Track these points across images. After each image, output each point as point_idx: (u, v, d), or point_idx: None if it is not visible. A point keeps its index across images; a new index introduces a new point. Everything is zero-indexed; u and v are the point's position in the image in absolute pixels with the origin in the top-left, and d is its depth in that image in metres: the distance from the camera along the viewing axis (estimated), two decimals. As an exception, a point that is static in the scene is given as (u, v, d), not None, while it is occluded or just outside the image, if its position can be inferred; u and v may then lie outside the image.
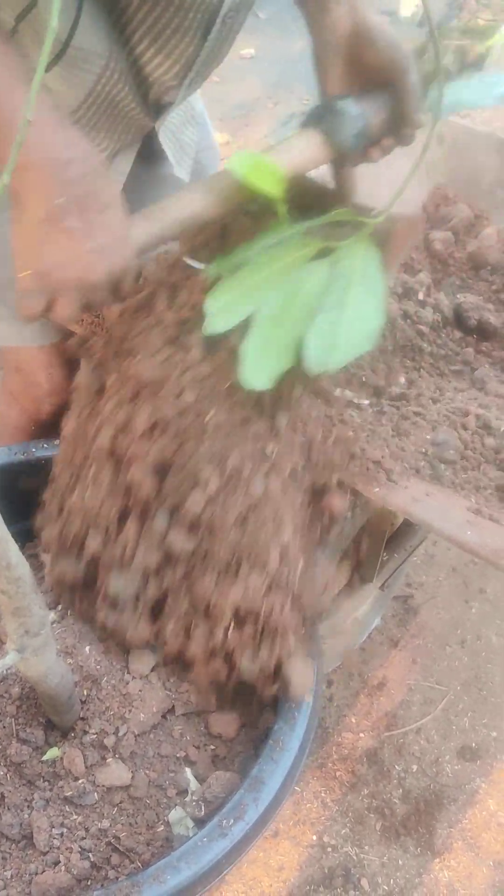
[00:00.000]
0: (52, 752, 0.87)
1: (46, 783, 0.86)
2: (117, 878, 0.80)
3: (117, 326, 0.89)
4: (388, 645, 1.50)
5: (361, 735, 1.37)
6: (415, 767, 1.34)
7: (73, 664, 0.90)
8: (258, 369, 0.73)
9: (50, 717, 0.85)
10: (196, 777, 0.89)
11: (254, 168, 0.71)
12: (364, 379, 1.13)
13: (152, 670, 0.94)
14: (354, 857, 1.23)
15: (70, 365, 1.21)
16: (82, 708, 0.88)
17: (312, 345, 0.74)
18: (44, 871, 0.81)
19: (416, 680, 1.45)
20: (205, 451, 0.79)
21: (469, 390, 1.15)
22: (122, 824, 0.85)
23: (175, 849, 0.76)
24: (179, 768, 0.89)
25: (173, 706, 0.93)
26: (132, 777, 0.87)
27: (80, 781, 0.86)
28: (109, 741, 0.88)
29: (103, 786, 0.86)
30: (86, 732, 0.88)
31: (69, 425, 0.91)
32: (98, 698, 0.90)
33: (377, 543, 1.20)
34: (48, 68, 0.87)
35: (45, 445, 1.14)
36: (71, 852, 0.83)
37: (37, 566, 1.01)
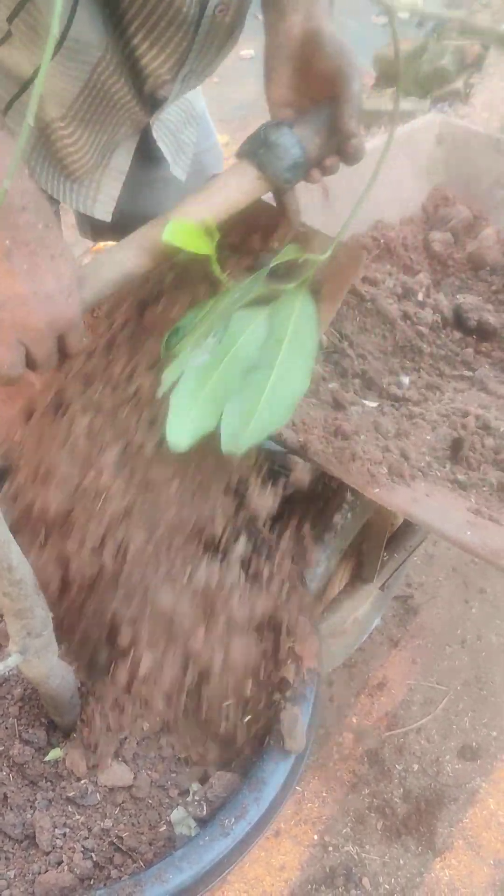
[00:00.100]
0: (55, 753, 0.87)
1: (49, 783, 0.87)
2: (120, 878, 0.80)
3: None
4: (388, 645, 1.51)
5: (362, 735, 1.38)
6: (415, 767, 1.34)
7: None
8: (180, 427, 0.68)
9: (52, 717, 0.85)
10: (197, 777, 0.89)
11: (185, 235, 0.70)
12: (365, 379, 1.13)
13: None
14: (356, 857, 1.24)
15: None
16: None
17: (228, 421, 0.69)
18: (47, 871, 0.81)
19: (416, 680, 1.46)
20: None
21: (469, 391, 1.15)
22: (125, 824, 0.86)
23: (177, 848, 0.77)
24: (181, 769, 0.89)
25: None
26: (134, 777, 0.87)
27: (82, 782, 0.86)
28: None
29: (105, 786, 0.86)
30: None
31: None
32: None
33: (377, 544, 1.21)
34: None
35: (46, 447, 1.14)
36: (73, 852, 0.83)
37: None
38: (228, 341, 0.69)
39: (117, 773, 0.86)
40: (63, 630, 0.80)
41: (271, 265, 0.73)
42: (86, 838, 0.84)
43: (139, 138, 1.08)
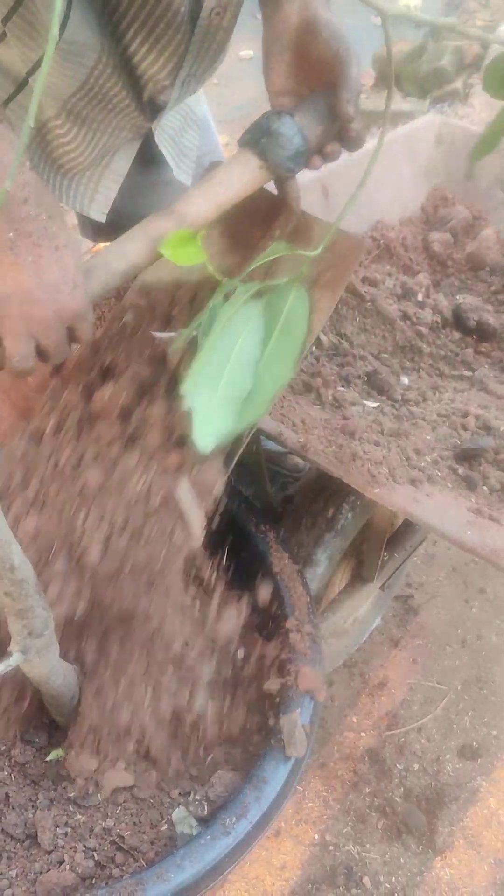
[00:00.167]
0: (56, 753, 0.87)
1: (50, 783, 0.87)
2: (121, 877, 0.80)
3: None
4: (388, 645, 1.51)
5: (363, 734, 1.38)
6: (416, 766, 1.34)
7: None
8: (204, 431, 0.69)
9: (54, 717, 0.85)
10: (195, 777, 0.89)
11: (178, 247, 0.71)
12: (365, 380, 1.13)
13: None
14: (356, 856, 1.24)
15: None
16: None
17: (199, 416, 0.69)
18: (48, 870, 0.82)
19: (416, 679, 1.46)
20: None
21: (469, 391, 1.15)
22: (126, 823, 0.86)
23: (178, 847, 0.77)
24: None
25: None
26: (135, 777, 0.87)
27: (83, 782, 0.86)
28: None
29: (106, 788, 0.86)
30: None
31: None
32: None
33: (377, 543, 1.21)
34: (41, 59, 0.89)
35: (47, 447, 1.14)
36: (75, 851, 0.83)
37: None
38: (230, 340, 0.70)
39: (118, 773, 0.86)
40: None
41: (262, 261, 0.74)
42: (87, 838, 0.84)
43: (141, 143, 1.08)
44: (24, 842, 0.85)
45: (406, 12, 0.58)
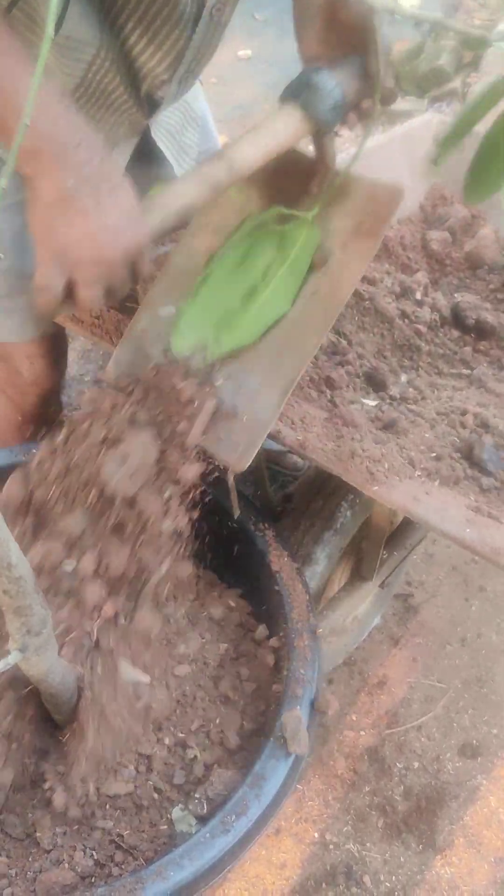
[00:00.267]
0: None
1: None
2: (121, 875, 0.80)
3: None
4: (388, 643, 1.51)
5: (363, 733, 1.38)
6: (416, 765, 1.34)
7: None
8: (185, 335, 0.76)
9: (52, 715, 0.85)
10: (192, 774, 0.89)
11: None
12: (364, 378, 1.13)
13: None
14: (356, 854, 1.24)
15: (52, 356, 1.22)
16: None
17: (199, 329, 0.77)
18: (48, 869, 0.82)
19: (416, 678, 1.46)
20: None
21: (467, 389, 1.15)
22: (125, 822, 0.86)
23: (178, 846, 0.77)
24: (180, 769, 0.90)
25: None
26: (135, 785, 0.87)
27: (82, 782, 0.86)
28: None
29: (106, 794, 0.86)
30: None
31: None
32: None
33: (377, 541, 1.21)
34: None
35: (46, 446, 1.14)
36: (74, 850, 0.83)
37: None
38: (231, 261, 0.76)
39: (117, 785, 0.86)
40: None
41: (263, 217, 0.78)
42: (87, 837, 0.84)
43: (139, 139, 1.09)
44: (23, 841, 0.85)
45: (393, 6, 0.59)
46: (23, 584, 0.56)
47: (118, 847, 0.84)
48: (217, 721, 0.94)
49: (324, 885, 1.20)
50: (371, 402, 1.08)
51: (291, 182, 0.87)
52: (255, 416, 0.84)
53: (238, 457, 0.84)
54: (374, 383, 1.14)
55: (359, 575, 1.28)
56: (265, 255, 0.82)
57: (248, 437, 0.84)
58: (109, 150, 0.72)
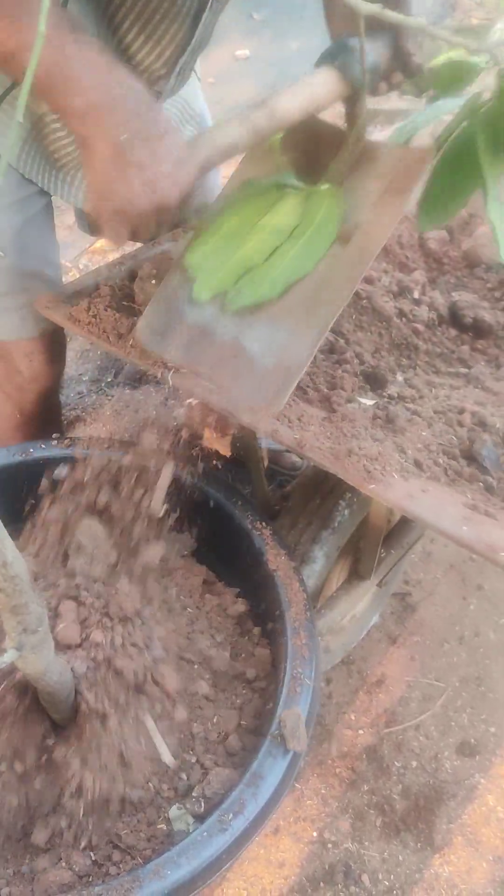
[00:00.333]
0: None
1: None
2: (118, 875, 0.80)
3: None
4: (386, 642, 1.51)
5: (361, 732, 1.38)
6: (414, 764, 1.34)
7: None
8: (205, 285, 0.83)
9: (49, 714, 0.85)
10: (192, 775, 0.89)
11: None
12: (362, 377, 1.13)
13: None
14: (355, 853, 1.24)
15: (51, 353, 1.22)
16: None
17: (219, 277, 0.84)
18: (46, 869, 0.82)
19: (414, 677, 1.46)
20: None
21: (465, 388, 1.15)
22: (123, 822, 0.86)
23: (175, 845, 0.77)
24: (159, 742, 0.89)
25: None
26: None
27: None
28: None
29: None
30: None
31: None
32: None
33: (374, 540, 1.21)
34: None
35: (43, 446, 1.14)
36: (72, 850, 0.83)
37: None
38: (253, 217, 0.81)
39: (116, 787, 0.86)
40: None
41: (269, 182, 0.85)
42: (84, 836, 0.84)
43: None
44: (20, 840, 0.85)
45: (377, 11, 0.61)
46: (18, 582, 0.56)
47: (115, 846, 0.84)
48: (214, 720, 0.94)
49: (322, 884, 1.20)
50: (368, 401, 1.08)
51: (322, 148, 0.91)
52: (287, 362, 0.87)
53: (270, 402, 0.88)
54: (374, 382, 1.14)
55: (357, 574, 1.28)
56: (290, 216, 0.85)
57: (281, 382, 0.87)
58: (152, 98, 0.75)
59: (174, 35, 0.90)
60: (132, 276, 1.11)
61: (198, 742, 0.92)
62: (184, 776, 0.89)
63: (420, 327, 1.22)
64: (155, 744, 0.85)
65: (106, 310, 1.03)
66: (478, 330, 1.25)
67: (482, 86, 0.85)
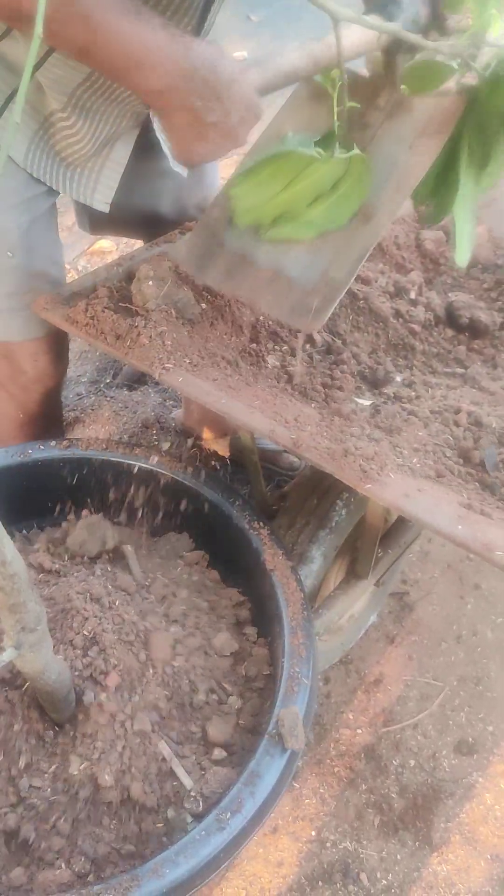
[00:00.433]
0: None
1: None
2: (116, 874, 0.80)
3: None
4: (384, 641, 1.51)
5: (359, 731, 1.38)
6: (412, 762, 1.35)
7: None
8: (244, 216, 0.91)
9: (48, 713, 0.85)
10: (191, 774, 0.89)
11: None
12: (358, 377, 1.14)
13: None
14: (353, 852, 1.24)
15: (55, 352, 1.23)
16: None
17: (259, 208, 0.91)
18: (44, 869, 0.82)
19: (412, 676, 1.46)
20: None
21: (461, 388, 1.16)
22: (122, 821, 0.86)
23: (173, 843, 0.77)
24: (176, 765, 0.90)
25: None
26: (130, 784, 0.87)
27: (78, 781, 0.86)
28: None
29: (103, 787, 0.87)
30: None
31: None
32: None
33: (371, 540, 1.21)
34: (48, 54, 0.93)
35: (42, 447, 1.15)
36: (71, 849, 0.83)
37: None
38: (306, 167, 0.87)
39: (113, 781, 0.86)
40: None
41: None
42: (83, 835, 0.84)
43: (140, 131, 1.10)
44: (20, 840, 0.85)
45: (356, 17, 0.63)
46: (17, 581, 0.56)
47: (113, 846, 0.84)
48: (213, 718, 0.94)
49: (321, 883, 1.21)
50: (365, 402, 1.08)
51: (358, 98, 0.96)
52: (329, 280, 0.93)
53: (311, 319, 0.94)
54: (368, 382, 1.14)
55: (354, 573, 1.29)
56: (333, 172, 0.89)
57: (321, 301, 0.93)
58: (218, 49, 0.81)
59: (184, 29, 0.91)
60: (130, 277, 1.12)
61: (196, 741, 0.93)
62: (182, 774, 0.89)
63: (417, 328, 1.23)
64: (172, 768, 0.85)
65: (104, 311, 1.03)
66: (474, 330, 1.26)
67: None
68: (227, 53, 0.81)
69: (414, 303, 1.27)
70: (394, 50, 0.92)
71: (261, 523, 1.05)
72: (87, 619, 0.91)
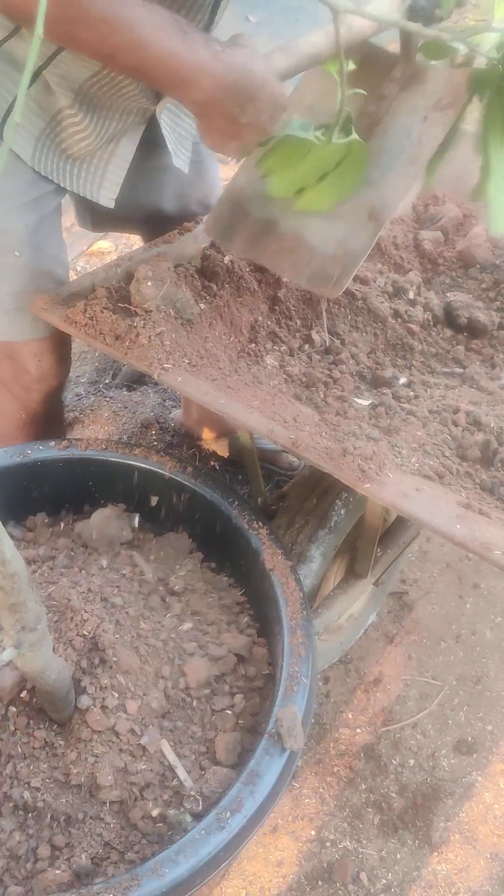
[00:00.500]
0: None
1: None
2: (117, 873, 0.80)
3: None
4: (383, 641, 1.51)
5: (358, 731, 1.38)
6: (411, 762, 1.35)
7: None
8: (275, 189, 0.97)
9: (47, 713, 0.85)
10: (190, 773, 0.90)
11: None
12: (357, 377, 1.14)
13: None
14: (353, 852, 1.24)
15: (59, 352, 1.23)
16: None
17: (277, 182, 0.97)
18: (44, 869, 0.82)
19: (411, 675, 1.47)
20: None
21: (460, 387, 1.16)
22: (122, 820, 0.86)
23: (173, 843, 0.77)
24: (176, 765, 0.90)
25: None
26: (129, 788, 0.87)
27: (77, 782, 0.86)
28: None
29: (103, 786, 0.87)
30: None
31: None
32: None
33: (370, 539, 1.21)
34: (56, 53, 0.96)
35: (41, 447, 1.15)
36: (71, 849, 0.83)
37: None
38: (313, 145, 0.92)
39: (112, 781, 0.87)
40: None
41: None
42: (83, 835, 0.84)
43: (145, 127, 1.12)
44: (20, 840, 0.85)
45: (356, 9, 0.64)
46: (17, 580, 0.57)
47: (113, 846, 0.84)
48: (212, 718, 0.94)
49: (320, 882, 1.21)
50: (364, 401, 1.08)
51: (374, 72, 1.02)
52: (348, 249, 0.99)
53: (332, 285, 1.00)
54: (367, 382, 1.14)
55: (353, 573, 1.29)
56: (336, 153, 0.94)
57: (342, 268, 0.99)
58: (254, 52, 0.87)
59: (196, 26, 0.95)
60: (128, 277, 1.12)
61: (195, 740, 0.93)
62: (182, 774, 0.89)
63: (415, 328, 1.23)
64: (172, 767, 0.85)
65: (103, 311, 1.03)
66: (472, 330, 1.26)
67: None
68: (257, 54, 0.87)
69: (412, 303, 1.27)
70: (414, 21, 0.94)
71: (260, 523, 1.05)
72: (86, 619, 0.91)
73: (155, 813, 0.86)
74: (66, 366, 1.28)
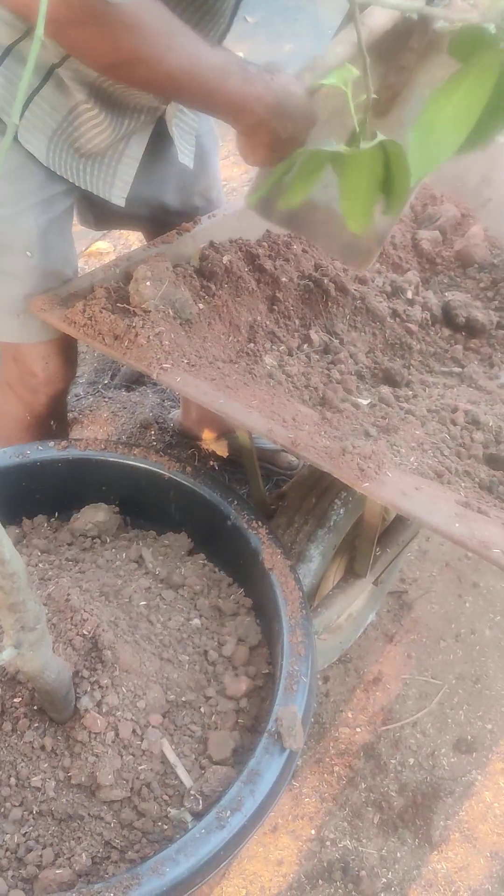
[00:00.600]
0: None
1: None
2: (117, 873, 0.80)
3: None
4: (383, 640, 1.52)
5: (358, 730, 1.38)
6: (411, 761, 1.35)
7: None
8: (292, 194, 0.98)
9: (47, 712, 0.85)
10: (191, 773, 0.90)
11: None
12: (356, 377, 1.14)
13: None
14: (353, 851, 1.24)
15: (66, 355, 1.23)
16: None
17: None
18: (45, 868, 0.82)
19: (411, 674, 1.47)
20: None
21: (458, 386, 1.16)
22: (121, 820, 0.86)
23: (174, 842, 0.77)
24: (176, 764, 0.90)
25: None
26: (130, 789, 0.87)
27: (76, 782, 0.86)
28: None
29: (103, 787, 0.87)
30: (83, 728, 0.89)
31: None
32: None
33: (370, 538, 1.22)
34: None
35: (40, 448, 1.15)
36: (71, 848, 0.84)
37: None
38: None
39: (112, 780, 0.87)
40: None
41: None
42: (83, 834, 0.85)
43: (153, 126, 1.13)
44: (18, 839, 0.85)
45: None
46: (17, 579, 0.57)
47: (114, 845, 0.84)
48: (212, 717, 0.94)
49: (321, 881, 1.21)
50: (363, 401, 1.08)
51: (395, 37, 1.03)
52: (374, 226, 1.01)
53: (361, 261, 1.07)
54: (366, 381, 1.15)
55: (353, 572, 1.29)
56: (374, 159, 0.96)
57: (368, 245, 1.05)
58: (278, 69, 0.94)
59: (216, 28, 0.99)
60: (127, 278, 1.12)
61: (195, 740, 0.93)
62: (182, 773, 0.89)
63: (413, 327, 1.23)
64: (172, 766, 0.85)
65: (101, 312, 1.04)
66: (471, 329, 1.26)
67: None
68: (292, 77, 0.96)
69: (411, 302, 1.27)
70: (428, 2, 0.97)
71: (259, 523, 1.05)
72: (86, 619, 0.91)
73: (155, 812, 0.87)
74: (73, 369, 1.28)
